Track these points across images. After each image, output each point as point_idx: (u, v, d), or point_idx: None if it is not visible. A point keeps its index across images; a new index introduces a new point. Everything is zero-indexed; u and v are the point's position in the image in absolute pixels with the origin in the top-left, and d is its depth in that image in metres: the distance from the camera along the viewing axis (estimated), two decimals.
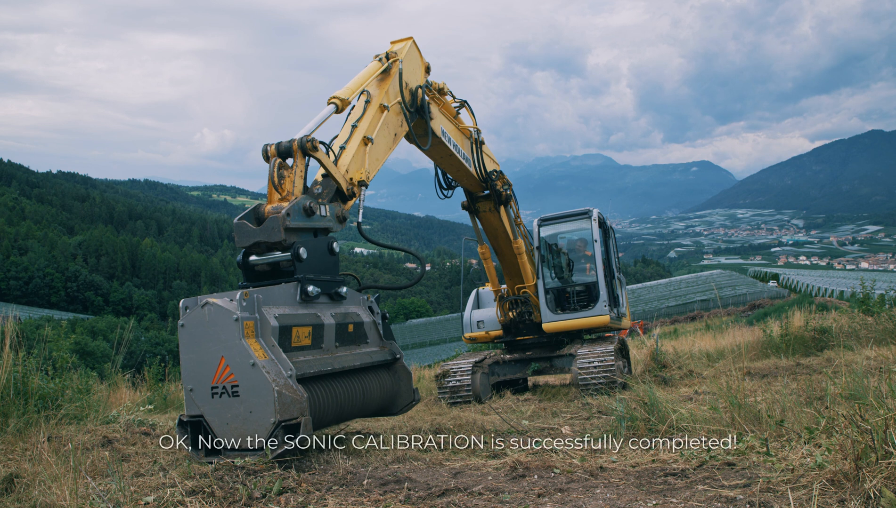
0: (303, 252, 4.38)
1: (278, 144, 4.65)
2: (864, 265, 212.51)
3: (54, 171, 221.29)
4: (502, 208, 9.47)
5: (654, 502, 3.07)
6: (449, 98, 7.88)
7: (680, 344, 17.96)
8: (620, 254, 11.89)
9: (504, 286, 10.17)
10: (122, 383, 8.61)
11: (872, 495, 2.65)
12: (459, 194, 9.38)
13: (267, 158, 4.63)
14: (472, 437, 5.24)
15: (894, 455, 2.73)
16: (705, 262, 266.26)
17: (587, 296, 9.90)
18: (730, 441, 4.02)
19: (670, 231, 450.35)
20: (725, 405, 4.58)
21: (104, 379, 8.34)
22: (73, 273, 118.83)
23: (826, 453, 3.27)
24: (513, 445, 4.96)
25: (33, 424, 5.14)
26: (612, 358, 8.59)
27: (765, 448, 3.70)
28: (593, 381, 8.49)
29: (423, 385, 13.91)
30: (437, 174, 8.47)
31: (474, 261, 12.48)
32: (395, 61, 6.13)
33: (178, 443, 4.06)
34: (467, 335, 10.54)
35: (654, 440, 4.46)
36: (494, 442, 5.14)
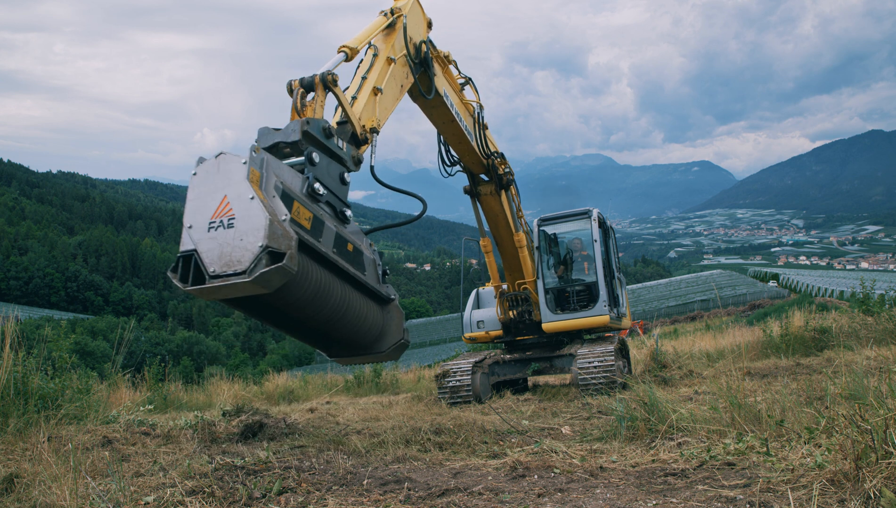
0: (316, 156, 4.51)
1: (301, 79, 4.94)
2: (864, 265, 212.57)
3: (54, 171, 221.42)
4: (503, 193, 9.52)
5: (654, 502, 3.07)
6: (455, 72, 8.02)
7: (680, 344, 17.96)
8: (620, 254, 11.89)
9: (505, 285, 10.18)
10: (122, 383, 8.61)
11: (872, 495, 2.65)
12: (462, 181, 9.45)
13: (291, 91, 4.89)
14: (472, 437, 5.24)
15: (894, 455, 2.73)
16: (705, 262, 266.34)
17: (587, 296, 9.90)
18: (730, 441, 4.02)
19: (670, 231, 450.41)
20: (725, 405, 4.58)
21: (104, 379, 8.34)
22: (73, 273, 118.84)
23: (826, 453, 3.27)
24: (513, 445, 4.97)
25: (33, 424, 5.14)
26: (612, 358, 8.59)
27: (765, 448, 3.70)
28: (593, 381, 8.49)
29: (423, 385, 13.92)
30: (440, 150, 8.55)
31: (474, 261, 12.48)
32: (399, 16, 6.32)
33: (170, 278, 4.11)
34: (467, 335, 10.54)
35: (654, 440, 4.46)
36: (494, 442, 5.14)
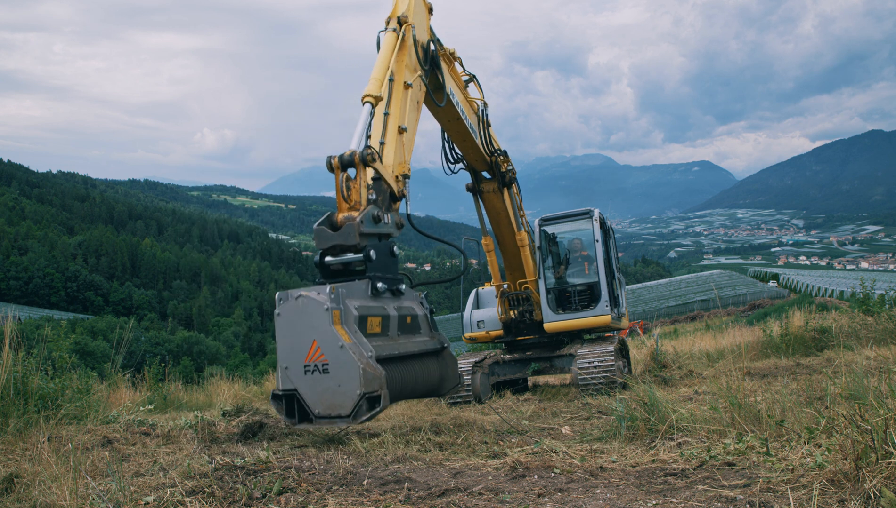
0: (373, 254, 4.98)
1: (341, 157, 5.12)
2: (864, 265, 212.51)
3: (54, 171, 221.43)
4: (506, 191, 9.54)
5: (654, 502, 3.07)
6: (459, 69, 8.02)
7: (680, 344, 17.95)
8: (620, 254, 11.91)
9: (506, 284, 10.18)
10: (122, 383, 8.61)
11: (872, 495, 2.65)
12: (462, 180, 9.46)
13: (331, 169, 5.15)
14: (472, 437, 5.24)
15: (894, 455, 2.73)
16: (705, 262, 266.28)
17: (588, 296, 9.91)
18: (730, 441, 4.02)
19: (670, 231, 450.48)
20: (725, 405, 4.58)
21: (104, 379, 8.34)
22: (73, 273, 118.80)
23: (826, 453, 3.27)
24: (513, 445, 4.96)
25: (33, 424, 5.14)
26: (612, 358, 8.59)
27: (765, 448, 3.70)
28: (593, 381, 8.49)
29: None
30: (444, 147, 8.56)
31: (474, 261, 12.47)
32: (407, 27, 6.25)
33: (274, 414, 4.77)
34: (467, 335, 10.53)
35: (654, 440, 4.46)
36: (494, 442, 5.14)
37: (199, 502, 3.24)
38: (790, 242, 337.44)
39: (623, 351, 10.04)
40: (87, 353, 49.10)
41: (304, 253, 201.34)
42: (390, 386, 4.80)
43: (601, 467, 3.87)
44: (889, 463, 2.72)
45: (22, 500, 3.43)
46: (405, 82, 6.06)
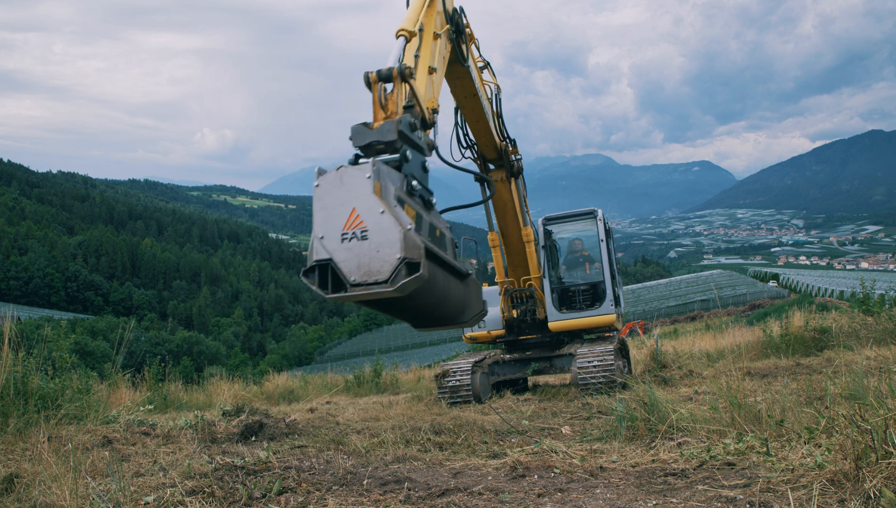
0: (409, 153, 4.84)
1: (379, 71, 5.11)
2: (864, 265, 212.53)
3: (54, 171, 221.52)
4: (513, 181, 9.57)
5: (654, 502, 3.07)
6: (476, 53, 8.14)
7: (680, 344, 17.95)
8: (620, 255, 11.96)
9: (509, 280, 10.20)
10: (122, 383, 8.61)
11: (872, 495, 2.65)
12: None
13: (368, 84, 5.10)
14: (472, 437, 5.24)
15: (894, 455, 2.73)
16: (705, 262, 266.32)
17: (593, 296, 9.95)
18: (730, 441, 4.01)
19: (670, 231, 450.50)
20: (725, 405, 4.58)
21: (104, 379, 8.34)
22: (73, 273, 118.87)
23: (826, 453, 3.27)
24: (513, 445, 4.96)
25: (33, 424, 5.14)
26: (612, 357, 8.59)
27: (765, 448, 3.70)
28: (593, 381, 8.49)
29: (423, 385, 13.92)
30: (456, 131, 8.61)
31: (474, 261, 12.44)
32: None
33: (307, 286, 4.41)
34: (468, 334, 10.53)
35: (654, 440, 4.46)
36: (494, 442, 5.14)
37: (199, 502, 3.24)
38: (790, 242, 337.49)
39: (623, 351, 10.05)
40: (87, 353, 49.17)
41: (303, 253, 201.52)
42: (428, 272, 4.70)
43: (601, 467, 3.87)
44: (889, 463, 2.72)
45: (22, 500, 3.43)
46: (434, 32, 6.24)
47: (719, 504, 2.93)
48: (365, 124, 4.97)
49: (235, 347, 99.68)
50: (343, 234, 4.27)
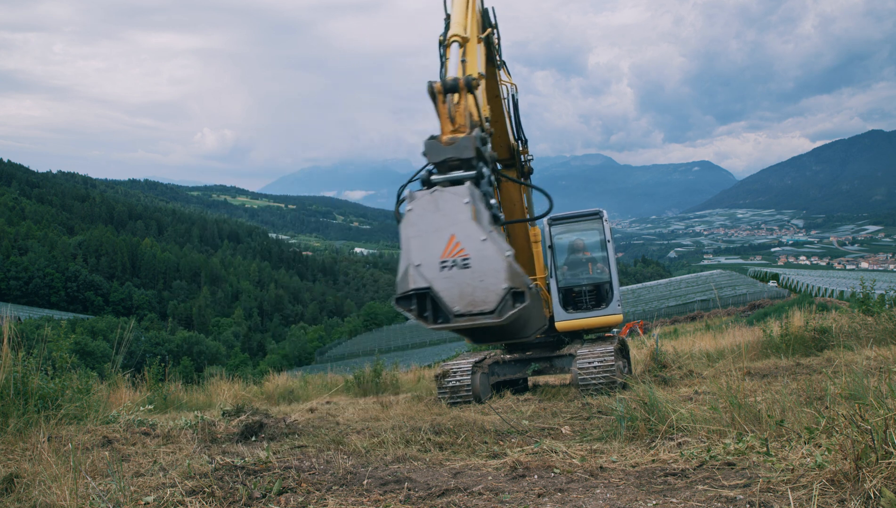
0: (485, 171, 4.75)
1: (443, 81, 5.04)
2: (864, 265, 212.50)
3: (54, 171, 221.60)
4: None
5: (654, 502, 3.07)
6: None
7: (680, 344, 17.94)
8: (619, 255, 12.01)
9: None
10: (122, 383, 8.60)
11: (872, 495, 2.65)
12: None
13: (433, 94, 5.02)
14: (472, 437, 5.24)
15: (894, 455, 2.73)
16: (705, 262, 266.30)
17: (598, 295, 9.97)
18: (730, 441, 4.01)
19: (670, 231, 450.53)
20: (725, 405, 4.58)
21: (104, 379, 8.34)
22: (73, 273, 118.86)
23: (826, 453, 3.27)
24: (513, 445, 4.96)
25: (33, 424, 5.14)
26: (612, 358, 8.59)
27: (765, 448, 3.70)
28: (593, 381, 8.48)
29: (423, 385, 13.91)
30: None
31: None
32: None
33: (404, 315, 4.38)
34: None
35: (654, 440, 4.46)
36: (494, 442, 5.14)
37: (199, 502, 3.24)
38: (790, 242, 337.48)
39: (623, 351, 10.05)
40: (87, 353, 49.14)
41: (304, 253, 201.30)
42: None
43: (601, 467, 3.87)
44: (889, 463, 2.72)
45: (22, 500, 3.43)
46: (478, 36, 6.18)
47: (719, 504, 2.93)
48: (434, 138, 4.85)
49: (235, 347, 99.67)
50: (442, 262, 4.15)
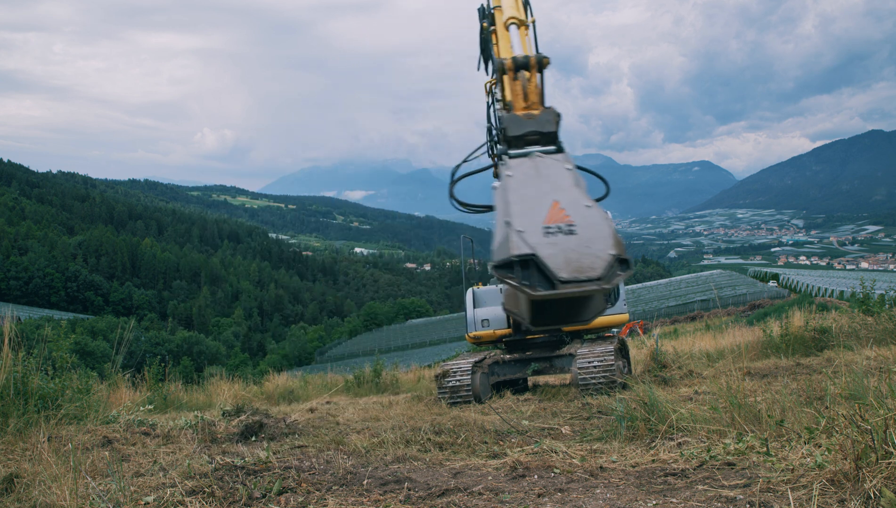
0: (563, 146, 4.67)
1: (514, 59, 5.00)
2: (864, 265, 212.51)
3: (54, 171, 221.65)
4: None
5: (654, 502, 3.07)
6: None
7: (680, 344, 17.95)
8: None
9: None
10: (122, 383, 8.61)
11: (872, 495, 2.65)
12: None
13: (503, 70, 4.99)
14: (472, 437, 5.24)
15: (894, 455, 2.73)
16: (705, 262, 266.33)
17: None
18: (730, 441, 4.01)
19: (670, 231, 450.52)
20: (725, 405, 4.58)
21: (104, 379, 8.34)
22: (73, 273, 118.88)
23: (826, 453, 3.27)
24: (513, 445, 4.96)
25: (33, 424, 5.14)
26: (612, 357, 8.59)
27: (765, 448, 3.70)
28: (593, 381, 8.48)
29: (423, 385, 13.92)
30: (492, 133, 8.58)
31: (475, 261, 12.44)
32: None
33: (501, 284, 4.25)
34: (472, 334, 10.47)
35: (654, 440, 4.46)
36: (494, 442, 5.14)
37: (199, 502, 3.24)
38: (790, 242, 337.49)
39: (623, 351, 10.05)
40: (87, 353, 49.16)
41: (304, 253, 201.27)
42: None
43: (601, 467, 3.87)
44: (889, 463, 2.72)
45: (22, 500, 3.43)
46: (525, 23, 6.15)
47: (719, 504, 2.93)
48: (509, 112, 4.77)
49: (235, 347, 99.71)
50: (546, 228, 4.05)
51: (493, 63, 7.05)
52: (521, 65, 4.88)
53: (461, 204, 5.72)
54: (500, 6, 6.36)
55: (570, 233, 4.01)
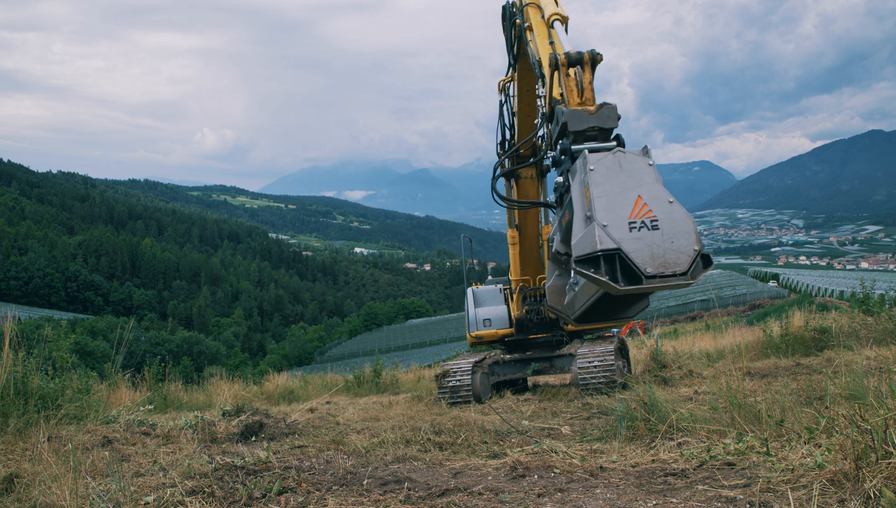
0: (623, 140, 4.68)
1: (568, 54, 5.02)
2: (864, 265, 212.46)
3: (54, 171, 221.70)
4: (540, 181, 9.58)
5: (654, 502, 3.07)
6: None
7: (680, 344, 17.95)
8: None
9: (524, 279, 10.23)
10: (122, 383, 8.61)
11: (872, 495, 2.65)
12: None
13: (556, 65, 5.01)
14: (472, 437, 5.24)
15: (894, 455, 2.73)
16: None
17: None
18: (730, 441, 4.02)
19: None
20: (725, 405, 4.58)
21: (104, 379, 8.34)
22: (73, 273, 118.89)
23: (826, 453, 3.27)
24: (513, 445, 4.96)
25: (33, 424, 5.14)
26: (612, 357, 8.58)
27: (765, 448, 3.70)
28: (593, 381, 8.48)
29: (423, 385, 13.92)
30: (503, 131, 8.48)
31: (474, 261, 12.44)
32: None
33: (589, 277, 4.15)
34: (473, 334, 10.43)
35: (654, 440, 4.46)
36: (494, 442, 5.14)
37: (199, 502, 3.24)
38: (790, 242, 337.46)
39: (623, 351, 10.04)
40: (87, 353, 49.17)
41: (304, 253, 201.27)
42: None
43: (601, 467, 3.87)
44: (889, 463, 2.72)
45: (22, 500, 3.43)
46: (567, 19, 6.29)
47: (719, 504, 2.93)
48: (573, 108, 4.74)
49: (235, 347, 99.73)
50: (631, 223, 4.05)
51: (524, 59, 6.93)
52: (574, 61, 4.87)
53: (502, 198, 5.64)
54: (532, 3, 6.37)
55: (654, 228, 4.02)
